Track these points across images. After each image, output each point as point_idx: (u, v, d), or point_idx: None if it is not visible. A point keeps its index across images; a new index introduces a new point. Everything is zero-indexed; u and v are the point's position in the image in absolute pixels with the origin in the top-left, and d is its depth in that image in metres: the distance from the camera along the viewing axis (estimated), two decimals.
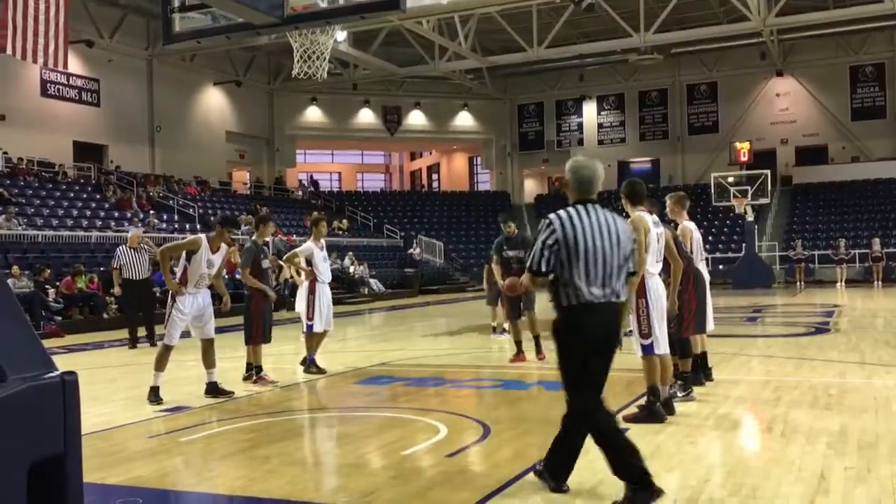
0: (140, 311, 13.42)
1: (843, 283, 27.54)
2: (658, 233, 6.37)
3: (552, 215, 4.17)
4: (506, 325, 11.93)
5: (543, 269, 4.10)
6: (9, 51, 15.35)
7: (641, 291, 6.16)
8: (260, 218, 9.64)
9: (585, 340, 4.12)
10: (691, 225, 7.72)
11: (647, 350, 6.20)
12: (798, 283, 28.33)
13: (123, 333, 13.72)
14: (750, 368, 9.08)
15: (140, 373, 9.20)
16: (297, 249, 9.79)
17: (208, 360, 7.88)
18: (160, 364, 7.64)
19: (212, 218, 27.46)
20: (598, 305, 4.10)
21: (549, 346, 10.17)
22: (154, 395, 7.56)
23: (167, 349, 7.67)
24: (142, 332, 13.22)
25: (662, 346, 6.27)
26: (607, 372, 4.22)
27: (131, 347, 12.93)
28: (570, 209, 4.19)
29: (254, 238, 8.97)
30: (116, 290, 13.93)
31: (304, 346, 9.67)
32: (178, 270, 7.75)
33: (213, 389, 7.85)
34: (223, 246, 7.97)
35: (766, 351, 10.69)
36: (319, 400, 8.26)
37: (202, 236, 7.84)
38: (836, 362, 9.31)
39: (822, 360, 9.50)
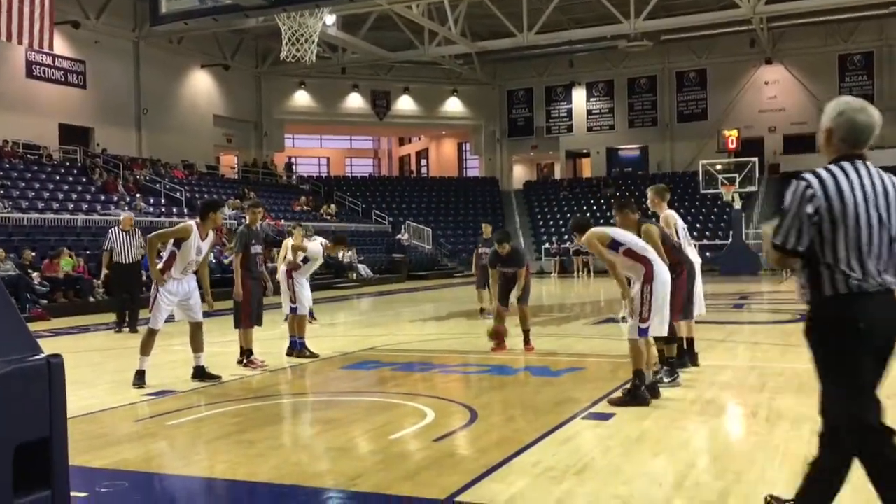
0: (127, 295, 13.27)
1: None
2: (622, 233, 6.61)
3: (808, 175, 3.12)
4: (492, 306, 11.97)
5: (799, 247, 3.09)
6: None
7: (649, 277, 6.34)
8: (251, 203, 9.62)
9: (860, 339, 3.09)
10: (673, 213, 7.93)
11: (642, 333, 6.35)
12: (784, 271, 28.50)
13: (110, 317, 13.67)
14: (736, 354, 9.15)
15: (126, 356, 9.17)
16: (310, 247, 9.84)
17: (196, 343, 7.87)
18: (145, 348, 7.62)
19: (198, 202, 27.37)
20: (874, 295, 3.08)
21: (536, 336, 10.19)
22: (139, 379, 7.55)
23: (152, 333, 7.65)
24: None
25: (658, 330, 6.44)
26: (881, 380, 3.19)
27: (117, 331, 12.86)
28: (833, 167, 3.14)
29: (246, 222, 8.97)
30: (105, 271, 13.81)
31: (289, 331, 9.68)
32: (165, 255, 7.70)
33: (200, 373, 7.84)
34: (211, 232, 7.94)
35: (752, 337, 10.76)
36: (307, 384, 8.25)
37: (192, 223, 7.78)
38: None
39: (807, 347, 9.57)
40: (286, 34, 10.04)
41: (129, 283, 13.23)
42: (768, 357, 8.84)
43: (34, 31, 15.94)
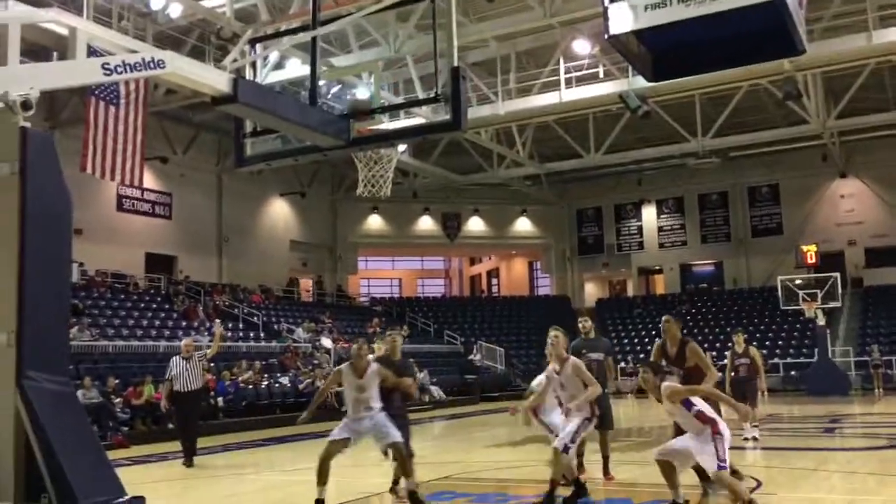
0: (185, 425, 12.54)
1: None
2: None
3: None
4: None
5: None
6: (88, 170, 16.13)
7: (717, 431, 6.49)
8: (392, 333, 9.56)
9: None
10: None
11: (721, 468, 6.24)
12: (876, 390, 27.08)
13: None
14: (832, 486, 8.61)
15: (207, 486, 9.16)
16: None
17: (402, 467, 7.87)
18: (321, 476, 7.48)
19: (274, 326, 27.93)
20: None
21: (615, 464, 9.82)
22: None
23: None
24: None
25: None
26: None
27: (187, 464, 12.11)
28: None
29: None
30: (164, 402, 12.98)
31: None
32: None
33: (414, 499, 7.66)
34: (372, 365, 7.96)
35: (846, 466, 10.16)
36: None
37: (342, 367, 8.01)
38: None
39: None
40: (362, 173, 10.44)
41: (187, 413, 12.49)
42: (867, 488, 8.30)
43: (126, 169, 16.89)
